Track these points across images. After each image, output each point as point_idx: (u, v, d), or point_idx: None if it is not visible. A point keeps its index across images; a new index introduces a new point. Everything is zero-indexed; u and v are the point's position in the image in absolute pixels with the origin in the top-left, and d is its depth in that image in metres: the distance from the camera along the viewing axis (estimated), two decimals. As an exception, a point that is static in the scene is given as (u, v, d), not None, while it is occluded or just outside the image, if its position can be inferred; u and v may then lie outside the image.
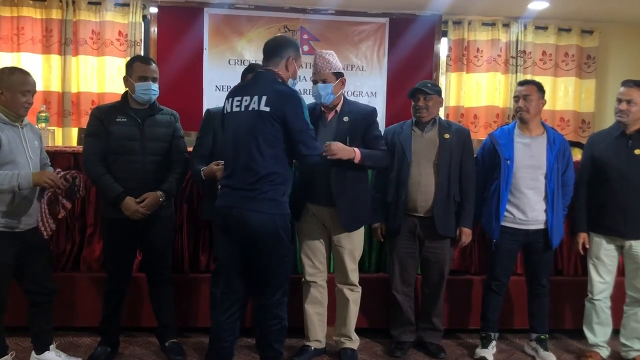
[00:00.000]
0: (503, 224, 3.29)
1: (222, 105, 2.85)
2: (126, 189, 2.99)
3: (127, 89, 3.10)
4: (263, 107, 2.56)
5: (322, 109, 3.19)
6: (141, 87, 3.02)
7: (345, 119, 3.13)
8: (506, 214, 3.28)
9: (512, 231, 3.29)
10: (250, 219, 2.57)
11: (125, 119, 3.03)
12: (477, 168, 3.37)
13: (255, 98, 2.59)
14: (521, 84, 3.39)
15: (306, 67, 5.80)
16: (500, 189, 3.25)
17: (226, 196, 2.66)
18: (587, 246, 3.35)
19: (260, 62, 2.80)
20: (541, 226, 3.28)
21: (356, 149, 3.02)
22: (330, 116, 3.18)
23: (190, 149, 3.25)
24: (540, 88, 3.32)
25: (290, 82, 2.73)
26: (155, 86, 3.06)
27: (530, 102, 3.27)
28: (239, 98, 2.66)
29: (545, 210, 3.26)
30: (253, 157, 2.57)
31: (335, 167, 3.04)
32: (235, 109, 2.66)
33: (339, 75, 3.12)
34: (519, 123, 3.35)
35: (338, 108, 3.17)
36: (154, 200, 3.03)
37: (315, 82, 3.12)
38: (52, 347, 3.05)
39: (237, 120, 2.65)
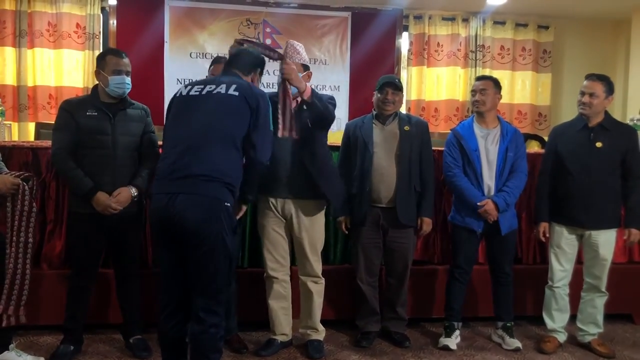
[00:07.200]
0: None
1: None
2: (97, 183, 2.94)
3: (98, 82, 3.05)
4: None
5: None
6: (115, 81, 2.99)
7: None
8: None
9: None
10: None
11: (96, 113, 2.99)
12: (451, 164, 3.42)
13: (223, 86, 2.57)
14: (478, 79, 3.57)
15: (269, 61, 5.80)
16: (471, 180, 3.34)
17: None
18: (547, 235, 3.44)
19: (224, 55, 2.78)
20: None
21: (308, 84, 3.02)
22: (293, 105, 3.17)
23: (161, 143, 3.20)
24: (496, 84, 3.45)
25: None
26: (128, 80, 3.04)
27: (487, 96, 3.38)
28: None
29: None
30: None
31: (297, 159, 3.05)
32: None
33: (306, 67, 3.15)
34: (476, 117, 3.45)
35: (299, 98, 3.18)
36: (127, 196, 2.98)
37: None
38: (11, 346, 2.96)
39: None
